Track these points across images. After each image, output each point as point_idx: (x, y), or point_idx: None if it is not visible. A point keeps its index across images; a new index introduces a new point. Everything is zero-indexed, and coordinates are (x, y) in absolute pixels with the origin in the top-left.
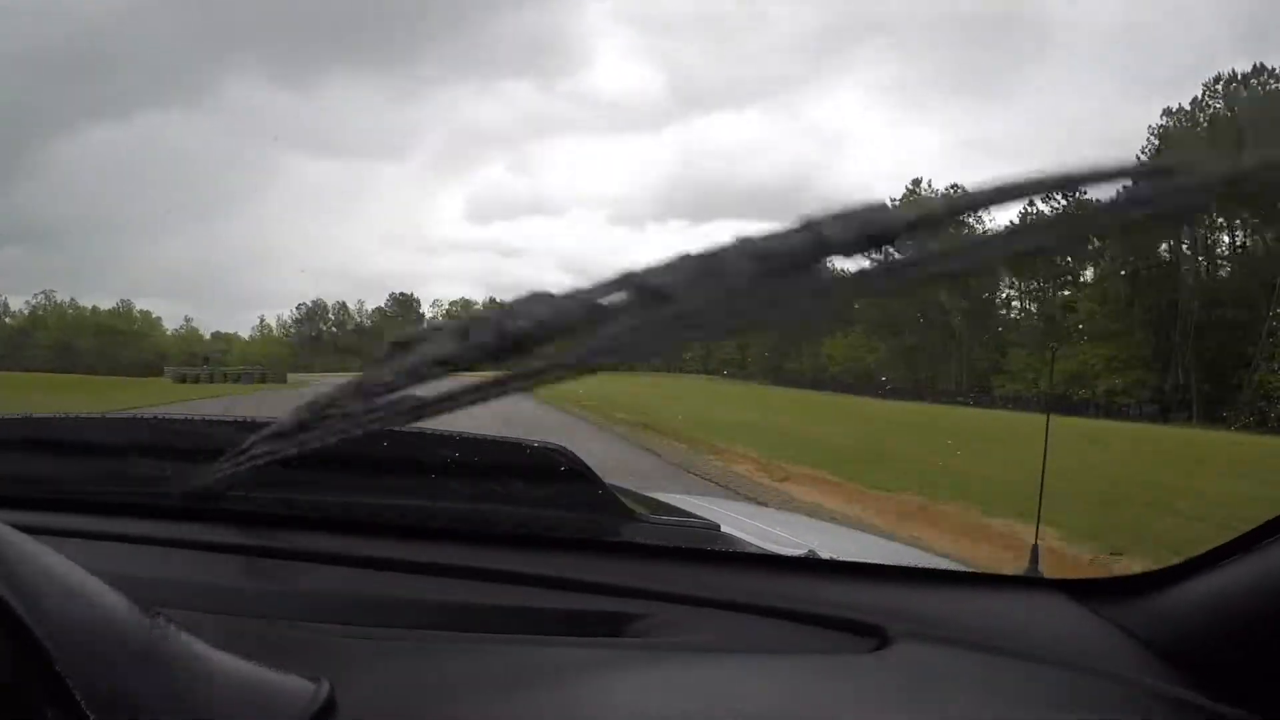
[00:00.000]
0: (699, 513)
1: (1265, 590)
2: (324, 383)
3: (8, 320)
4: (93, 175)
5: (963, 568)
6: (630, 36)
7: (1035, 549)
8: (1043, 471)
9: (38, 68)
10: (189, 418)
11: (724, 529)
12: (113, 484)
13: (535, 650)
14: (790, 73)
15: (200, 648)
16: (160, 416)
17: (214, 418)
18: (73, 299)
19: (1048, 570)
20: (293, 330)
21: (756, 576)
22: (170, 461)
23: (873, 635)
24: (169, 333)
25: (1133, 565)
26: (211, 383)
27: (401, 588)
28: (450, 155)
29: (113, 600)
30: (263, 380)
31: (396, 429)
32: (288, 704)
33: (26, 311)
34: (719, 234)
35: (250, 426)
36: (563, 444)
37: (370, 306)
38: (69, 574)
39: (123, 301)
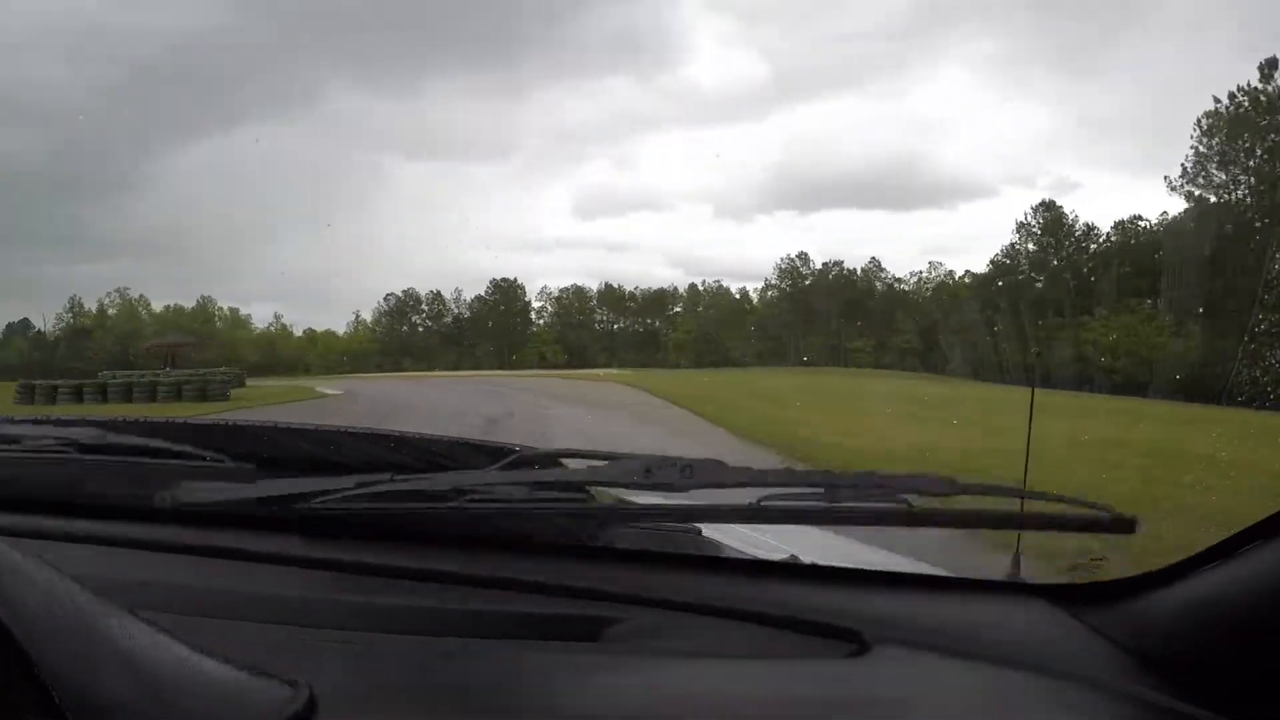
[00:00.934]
0: None
1: (1245, 596)
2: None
3: (76, 319)
4: (203, 186)
5: (944, 573)
6: (726, 25)
7: (1017, 554)
8: (1025, 472)
9: (146, 85)
10: (170, 421)
11: (705, 532)
12: (92, 487)
13: (514, 654)
14: (888, 54)
15: (181, 651)
16: (139, 420)
17: (198, 421)
18: (141, 295)
19: (1029, 575)
20: (382, 323)
21: (736, 581)
22: (151, 464)
23: (851, 641)
24: (258, 331)
25: (1114, 570)
26: (105, 398)
27: (382, 592)
28: (553, 154)
29: (93, 603)
30: (202, 394)
31: (375, 430)
32: (268, 707)
33: (94, 310)
34: (827, 224)
35: (232, 431)
36: (557, 447)
37: (469, 295)
38: (48, 577)
39: (204, 298)
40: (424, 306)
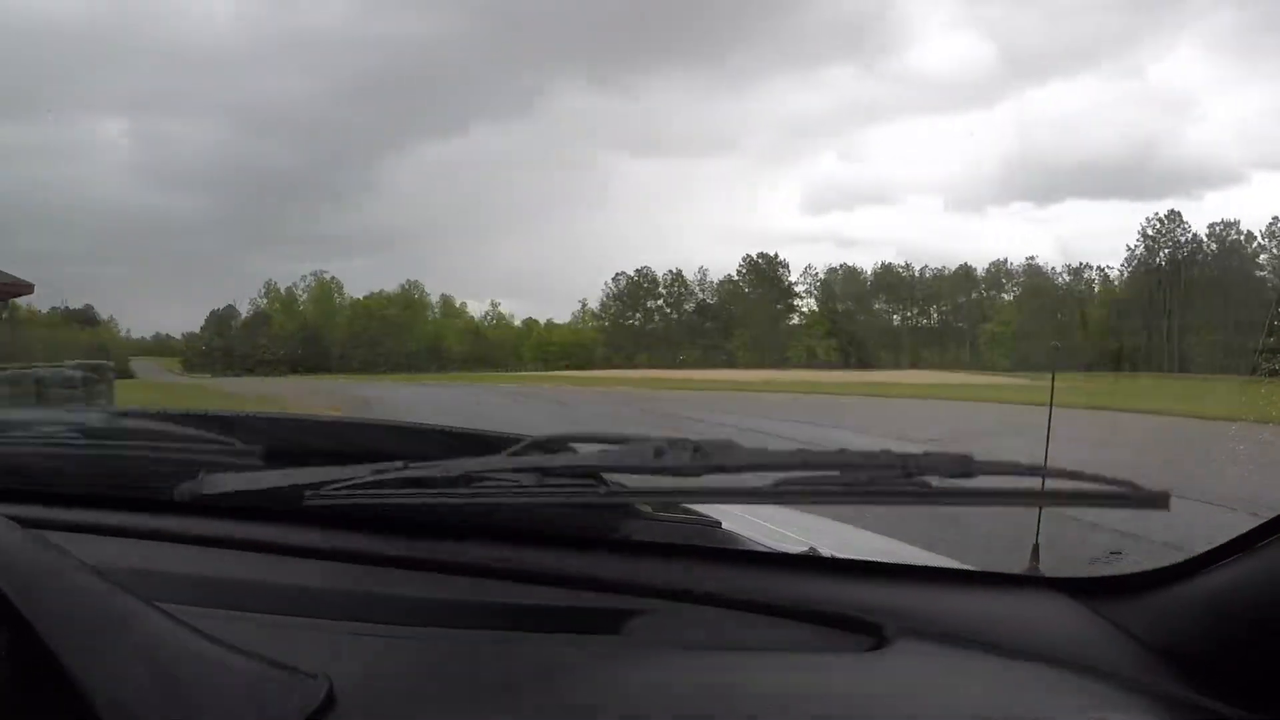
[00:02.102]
0: (700, 509)
1: (1265, 590)
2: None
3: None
4: (434, 186)
5: (964, 566)
6: (952, 7)
7: (1035, 547)
8: (1044, 463)
9: (373, 92)
10: (188, 413)
11: (725, 525)
12: (113, 478)
13: (534, 647)
14: (1123, 30)
15: (201, 643)
16: (160, 411)
17: (215, 414)
18: (334, 277)
19: (1047, 568)
20: (611, 309)
21: (756, 574)
22: (169, 455)
23: (871, 634)
24: (473, 319)
25: (1133, 564)
26: None
27: (400, 584)
28: (779, 147)
29: (113, 595)
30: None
31: (393, 422)
32: (287, 699)
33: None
34: (1066, 216)
35: (248, 423)
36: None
37: (715, 277)
38: (70, 569)
39: (409, 283)
40: (661, 290)
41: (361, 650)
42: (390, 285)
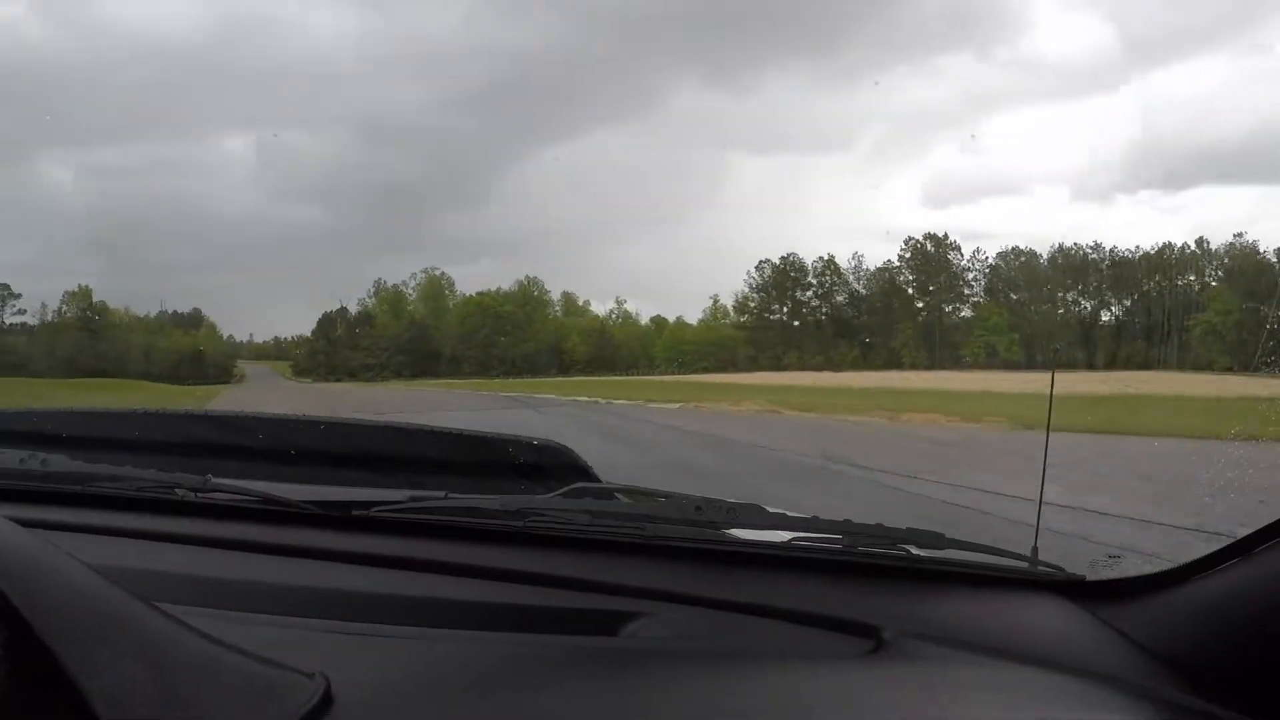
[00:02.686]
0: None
1: (1263, 595)
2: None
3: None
4: (555, 189)
5: (963, 569)
6: None
7: (1035, 550)
8: (1043, 469)
9: (490, 100)
10: (191, 413)
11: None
12: (115, 479)
13: (531, 648)
14: (1246, 5)
15: (199, 642)
16: (161, 412)
17: (217, 414)
18: (444, 272)
19: (1047, 572)
20: (754, 302)
21: (753, 575)
22: (171, 457)
23: (870, 636)
24: (598, 317)
25: (1131, 568)
26: None
27: (400, 584)
28: (897, 140)
29: (112, 594)
30: None
31: (394, 423)
32: (285, 698)
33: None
34: (1198, 204)
35: (248, 423)
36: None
37: (872, 262)
38: (69, 568)
39: (528, 279)
40: (811, 279)
41: (360, 650)
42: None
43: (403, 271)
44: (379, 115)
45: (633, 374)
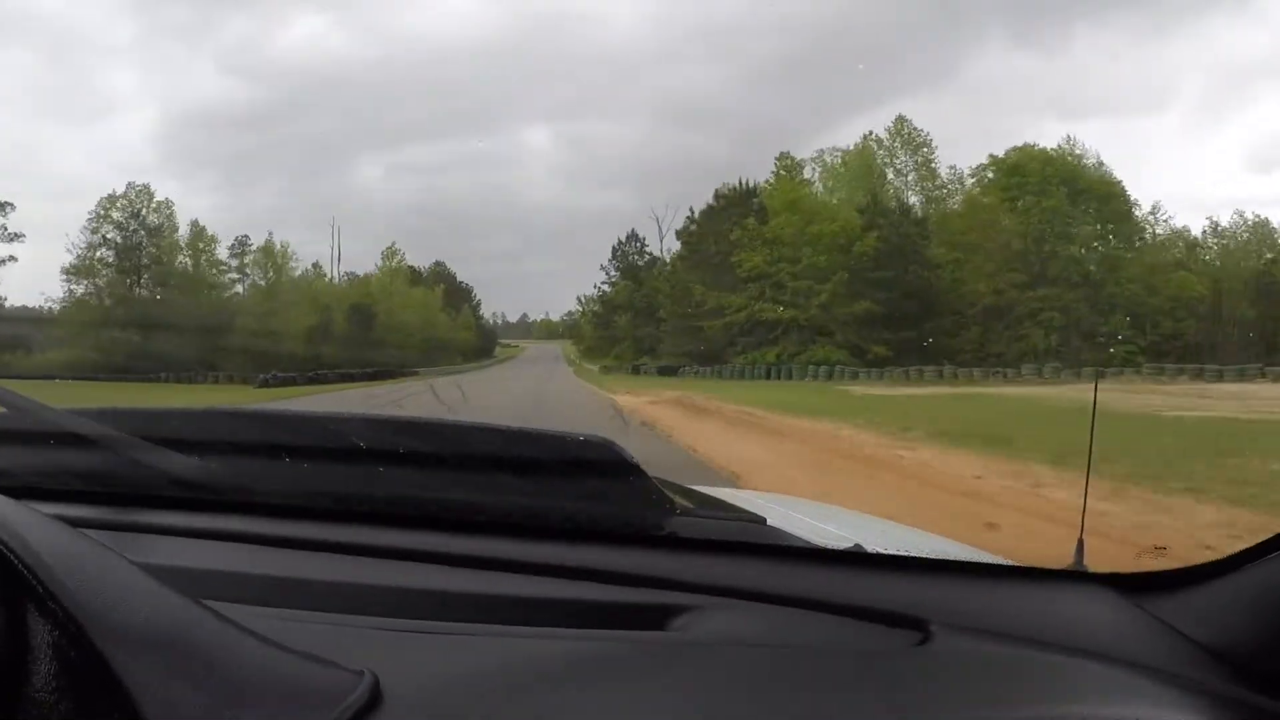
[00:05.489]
0: (744, 506)
1: None
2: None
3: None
4: None
5: (1008, 561)
6: None
7: (1080, 543)
8: (1088, 466)
9: (786, 76)
10: (237, 411)
11: (770, 522)
12: (157, 477)
13: (580, 643)
14: None
15: (247, 641)
16: (207, 410)
17: (261, 410)
18: None
19: (1092, 564)
20: None
21: (801, 570)
22: (216, 455)
23: (916, 629)
24: None
25: (1178, 558)
26: None
27: (447, 581)
28: (1214, 97)
29: (160, 594)
30: None
31: (442, 421)
32: (333, 697)
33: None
34: None
35: (303, 422)
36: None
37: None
38: (117, 569)
39: None
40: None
41: (409, 648)
42: None
43: None
44: (680, 98)
45: None
